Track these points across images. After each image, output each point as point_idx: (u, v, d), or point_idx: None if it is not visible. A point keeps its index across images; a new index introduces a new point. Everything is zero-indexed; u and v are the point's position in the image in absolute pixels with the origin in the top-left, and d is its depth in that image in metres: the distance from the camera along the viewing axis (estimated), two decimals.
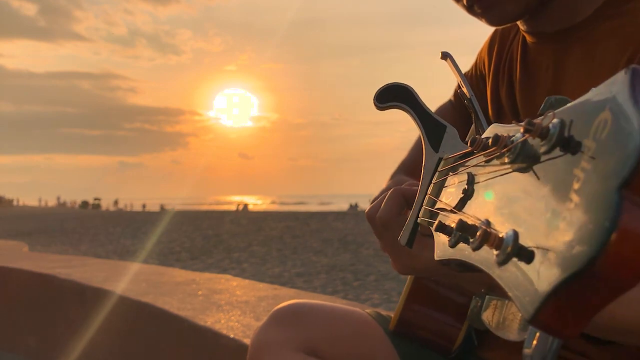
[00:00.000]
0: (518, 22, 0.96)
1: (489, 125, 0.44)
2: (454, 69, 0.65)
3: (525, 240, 0.30)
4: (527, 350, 0.30)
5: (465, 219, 0.36)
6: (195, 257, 9.75)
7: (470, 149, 0.42)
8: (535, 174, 0.32)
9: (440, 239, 0.44)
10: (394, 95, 0.64)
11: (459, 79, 0.64)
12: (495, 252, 0.32)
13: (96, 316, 2.89)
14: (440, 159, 0.59)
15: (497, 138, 0.36)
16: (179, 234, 13.93)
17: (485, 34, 1.13)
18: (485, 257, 0.34)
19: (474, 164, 0.43)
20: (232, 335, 1.99)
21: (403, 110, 0.65)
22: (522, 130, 0.32)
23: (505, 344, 0.97)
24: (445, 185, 0.53)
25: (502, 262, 0.31)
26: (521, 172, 0.34)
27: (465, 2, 0.88)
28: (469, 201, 0.42)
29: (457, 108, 1.22)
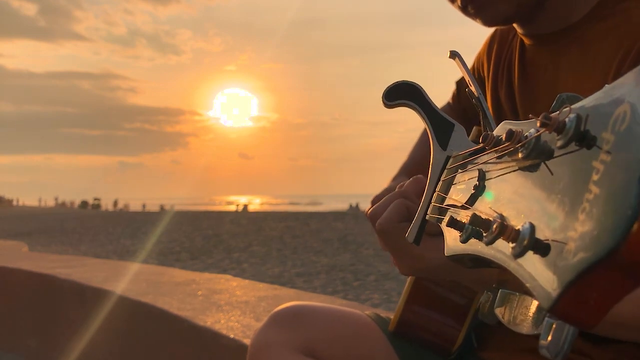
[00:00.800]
0: (515, 25, 0.96)
1: (496, 124, 0.45)
2: (462, 68, 0.65)
3: (540, 233, 0.31)
4: (543, 342, 0.30)
5: (478, 214, 0.37)
6: (195, 257, 9.75)
7: (481, 145, 0.42)
8: (549, 169, 0.33)
9: (451, 234, 0.45)
10: (403, 93, 0.65)
11: (467, 78, 0.64)
12: (511, 245, 0.32)
13: (96, 316, 2.89)
14: (448, 157, 0.60)
15: (511, 133, 0.36)
16: (178, 234, 13.93)
17: (484, 34, 1.13)
18: (499, 250, 0.34)
19: (484, 160, 0.44)
20: (232, 336, 1.99)
21: (411, 108, 0.65)
22: (538, 124, 0.32)
23: (505, 345, 0.97)
24: (454, 182, 0.53)
25: (519, 254, 0.32)
26: (534, 167, 0.35)
27: (459, 2, 0.88)
28: (480, 197, 0.42)
29: (456, 110, 1.23)
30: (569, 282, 0.28)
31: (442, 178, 0.58)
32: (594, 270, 0.27)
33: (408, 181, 0.77)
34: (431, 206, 0.58)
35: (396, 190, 0.76)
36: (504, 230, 0.33)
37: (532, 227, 0.31)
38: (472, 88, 0.64)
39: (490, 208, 0.39)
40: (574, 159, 0.30)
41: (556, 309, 0.28)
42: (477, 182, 0.43)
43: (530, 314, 0.33)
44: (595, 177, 0.28)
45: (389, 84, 0.65)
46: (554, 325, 0.30)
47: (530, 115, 0.34)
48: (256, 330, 1.00)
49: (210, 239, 12.93)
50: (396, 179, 1.22)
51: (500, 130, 0.42)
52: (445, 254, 0.45)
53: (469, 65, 1.20)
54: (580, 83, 0.84)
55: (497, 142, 0.40)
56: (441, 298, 0.99)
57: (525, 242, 0.31)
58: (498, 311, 0.36)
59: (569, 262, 0.28)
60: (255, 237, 13.12)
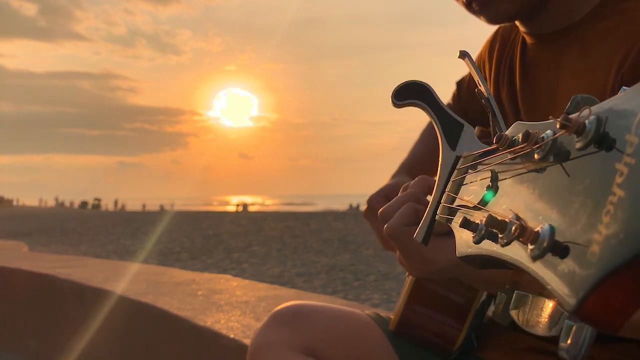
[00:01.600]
0: (517, 24, 0.96)
1: (504, 126, 0.45)
2: (472, 67, 0.65)
3: (560, 235, 0.31)
4: (562, 344, 0.30)
5: (494, 215, 0.37)
6: (195, 257, 9.75)
7: (495, 145, 0.42)
8: (566, 171, 0.33)
9: (463, 235, 0.45)
10: (412, 93, 0.64)
11: (477, 77, 0.64)
12: (530, 246, 0.32)
13: (96, 316, 2.89)
14: (457, 157, 0.59)
15: (527, 134, 0.36)
16: (178, 234, 13.93)
17: (485, 33, 1.14)
18: (516, 252, 0.34)
19: (497, 161, 0.43)
20: (232, 336, 1.99)
21: (420, 108, 0.65)
22: (558, 125, 0.32)
23: (504, 345, 0.97)
24: (464, 182, 0.53)
25: (537, 256, 0.32)
26: (551, 169, 0.34)
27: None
28: (493, 198, 0.42)
29: (456, 111, 1.23)
30: (594, 284, 0.27)
31: (452, 178, 0.58)
32: (620, 272, 0.26)
33: (414, 181, 0.76)
34: (441, 206, 0.57)
35: (403, 191, 0.76)
36: (524, 231, 0.33)
37: (552, 229, 0.31)
38: (482, 88, 0.64)
39: (505, 209, 0.39)
40: (593, 161, 0.30)
41: (580, 311, 0.28)
42: (490, 183, 0.43)
43: (546, 316, 0.33)
44: (619, 180, 0.28)
45: (398, 84, 0.65)
46: (573, 328, 0.30)
47: (550, 116, 0.34)
48: (256, 330, 1.00)
49: (210, 239, 12.93)
50: (395, 176, 1.22)
51: (513, 130, 0.42)
52: (457, 255, 0.45)
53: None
54: (581, 82, 0.84)
55: (512, 143, 0.39)
56: (442, 298, 0.99)
57: (545, 244, 0.31)
58: (513, 312, 0.36)
59: (593, 264, 0.28)
60: (255, 237, 13.12)
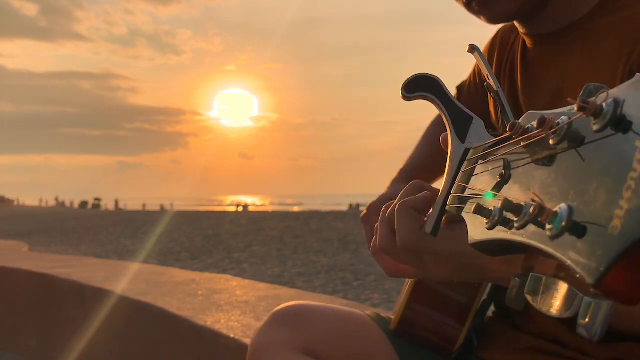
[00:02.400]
0: (517, 25, 0.96)
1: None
2: (482, 61, 0.65)
3: (578, 215, 0.31)
4: (581, 321, 0.31)
5: (510, 199, 0.37)
6: (195, 257, 9.75)
7: (508, 134, 0.43)
8: (580, 155, 0.33)
9: (475, 222, 0.45)
10: (422, 86, 0.65)
11: (486, 71, 0.64)
12: (548, 226, 0.33)
13: (96, 316, 2.89)
14: (466, 149, 0.60)
15: (543, 120, 0.37)
16: (179, 234, 13.93)
17: (486, 33, 1.14)
18: (532, 234, 0.35)
19: (509, 150, 0.44)
20: (232, 335, 1.99)
21: (430, 100, 0.65)
22: (575, 108, 0.32)
23: (505, 345, 0.97)
24: (474, 173, 0.53)
25: (556, 236, 0.32)
26: (566, 155, 0.35)
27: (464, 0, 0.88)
28: (506, 185, 0.43)
29: None
30: (617, 256, 0.28)
31: (462, 169, 0.58)
32: None
33: (404, 188, 0.73)
34: (451, 197, 0.57)
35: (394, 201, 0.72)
36: (542, 212, 0.33)
37: (570, 209, 0.32)
38: (491, 82, 0.64)
39: (520, 194, 0.39)
40: (611, 143, 0.31)
41: (602, 283, 0.29)
42: (503, 171, 0.43)
43: (561, 297, 0.33)
44: (639, 156, 0.28)
45: (409, 77, 0.65)
46: (592, 305, 0.30)
47: (568, 99, 0.34)
48: (256, 330, 1.00)
49: (210, 239, 12.93)
50: (394, 184, 1.22)
51: (525, 120, 0.42)
52: (470, 242, 0.45)
53: (470, 64, 1.20)
54: (583, 81, 0.84)
55: (525, 130, 0.40)
56: (442, 297, 0.98)
57: (564, 223, 0.31)
58: (528, 296, 0.36)
59: (615, 237, 0.28)
60: (255, 237, 13.12)
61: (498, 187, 0.44)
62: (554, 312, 0.33)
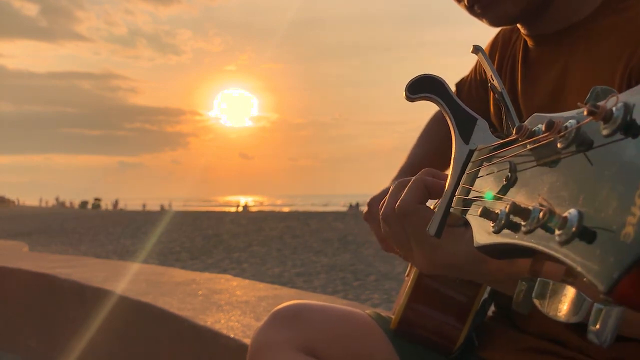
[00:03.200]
0: (519, 26, 0.96)
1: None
2: (486, 62, 0.65)
3: (589, 220, 0.31)
4: (592, 328, 0.30)
5: (518, 203, 0.37)
6: (195, 257, 9.75)
7: (514, 136, 0.42)
8: (589, 159, 0.33)
9: (481, 225, 0.44)
10: (426, 87, 0.64)
11: (490, 72, 0.64)
12: (557, 232, 0.32)
13: (96, 316, 2.89)
14: (470, 151, 0.59)
15: (551, 123, 0.36)
16: (179, 234, 13.93)
17: (486, 33, 1.14)
18: (540, 239, 0.34)
19: (516, 152, 0.43)
20: (232, 335, 1.99)
21: (433, 101, 0.64)
22: (585, 112, 0.32)
23: (506, 345, 0.97)
24: (479, 175, 0.53)
25: (566, 241, 0.32)
26: (573, 159, 0.34)
27: (466, 2, 0.88)
28: (512, 188, 0.42)
29: None
30: (630, 264, 0.28)
31: (466, 171, 0.57)
32: None
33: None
34: (455, 198, 0.57)
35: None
36: (552, 217, 0.33)
37: (581, 214, 0.31)
38: (495, 82, 0.64)
39: (527, 198, 0.39)
40: (621, 148, 0.31)
41: (615, 291, 0.28)
42: (509, 174, 0.43)
43: (569, 302, 0.33)
44: None
45: (412, 77, 0.65)
46: (603, 311, 0.30)
47: (578, 103, 0.34)
48: (256, 329, 0.99)
49: (210, 239, 12.93)
50: (395, 180, 1.22)
51: (531, 122, 0.42)
52: (475, 246, 0.45)
53: (471, 64, 1.20)
54: (586, 81, 0.84)
55: (532, 133, 0.39)
56: (443, 297, 0.98)
57: (574, 229, 0.31)
58: (536, 300, 0.36)
59: (628, 244, 0.28)
60: (255, 237, 13.12)
61: (504, 190, 0.43)
62: (562, 316, 0.33)
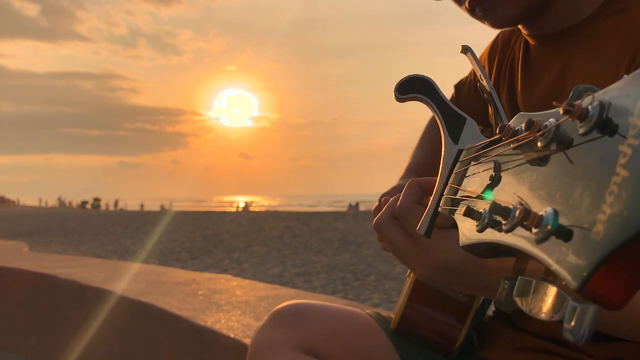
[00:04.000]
0: (519, 26, 0.96)
1: (507, 119, 0.45)
2: (474, 62, 0.65)
3: (564, 219, 0.31)
4: (566, 325, 0.30)
5: (498, 202, 0.37)
6: (195, 257, 9.75)
7: (497, 136, 0.42)
8: (569, 158, 0.33)
9: (466, 225, 0.45)
10: (415, 87, 0.64)
11: (479, 72, 0.64)
12: (534, 230, 0.33)
13: (96, 316, 2.89)
14: (460, 150, 0.60)
15: (531, 122, 0.36)
16: (179, 234, 13.93)
17: (486, 33, 1.14)
18: (519, 237, 0.35)
19: (500, 151, 0.44)
20: (232, 335, 1.99)
21: (423, 102, 0.65)
22: (561, 111, 0.32)
23: (505, 344, 0.97)
24: (467, 175, 0.53)
25: (542, 239, 0.32)
26: (554, 157, 0.35)
27: (467, 5, 0.89)
28: (496, 187, 0.42)
29: None
30: (599, 261, 0.28)
31: (454, 171, 0.58)
32: (624, 249, 0.27)
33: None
34: (444, 198, 0.57)
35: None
36: (528, 215, 0.33)
37: (556, 213, 0.32)
38: (484, 82, 0.64)
39: (509, 197, 0.39)
40: (596, 146, 0.31)
41: (586, 288, 0.29)
42: (493, 173, 0.43)
43: (549, 301, 0.33)
44: (622, 161, 0.28)
45: (401, 78, 0.65)
46: (577, 309, 0.30)
47: (553, 102, 0.34)
48: (256, 329, 0.99)
49: (210, 238, 12.94)
50: (403, 178, 1.23)
51: (515, 121, 0.42)
52: (460, 244, 0.45)
53: (470, 68, 1.20)
54: (587, 81, 0.84)
55: (515, 132, 0.40)
56: (443, 296, 0.98)
57: (549, 227, 0.31)
58: (517, 298, 0.36)
59: (598, 242, 0.28)
60: (255, 237, 13.12)
61: (488, 189, 0.43)
62: (543, 315, 0.33)
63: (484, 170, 0.47)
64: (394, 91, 0.65)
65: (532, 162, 0.37)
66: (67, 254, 9.00)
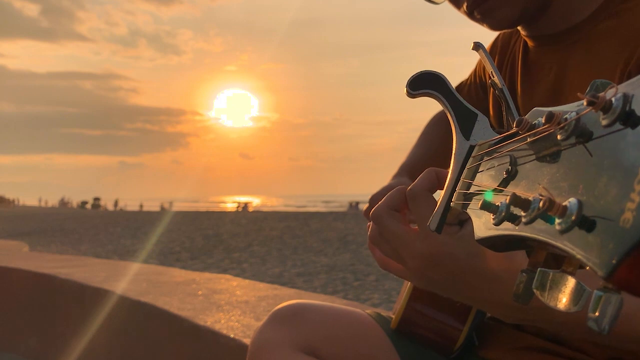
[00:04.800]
0: (518, 27, 0.96)
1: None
2: (486, 59, 0.65)
3: (588, 209, 0.31)
4: (591, 315, 0.30)
5: (518, 194, 0.37)
6: (195, 257, 9.75)
7: (514, 130, 0.42)
8: (588, 150, 0.33)
9: (482, 218, 0.45)
10: (426, 83, 0.64)
11: (490, 68, 0.64)
12: (557, 220, 0.33)
13: (96, 316, 2.89)
14: (471, 146, 0.59)
15: (551, 115, 0.36)
16: (179, 234, 13.94)
17: (486, 34, 1.14)
18: (540, 229, 0.35)
19: (515, 146, 0.44)
20: (232, 335, 1.99)
21: (434, 98, 0.65)
22: (585, 103, 0.32)
23: (505, 344, 0.97)
24: (479, 170, 0.53)
25: (565, 230, 0.32)
26: (573, 150, 0.35)
27: (465, 8, 0.89)
28: (512, 181, 0.42)
29: None
30: (630, 248, 0.28)
31: (467, 166, 0.58)
32: None
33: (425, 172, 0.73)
34: (456, 193, 0.57)
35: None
36: (552, 205, 0.33)
37: (580, 203, 0.32)
38: (496, 79, 0.64)
39: (527, 189, 0.39)
40: (619, 138, 0.31)
41: (616, 275, 0.29)
42: (509, 167, 0.43)
43: (569, 292, 0.33)
44: None
45: (413, 74, 0.65)
46: (602, 298, 0.30)
47: (578, 94, 0.34)
48: (256, 329, 0.99)
49: (210, 238, 12.94)
50: (396, 177, 1.22)
51: (531, 116, 0.42)
52: (476, 238, 0.45)
53: (470, 63, 1.21)
54: (585, 82, 0.84)
55: (532, 126, 0.40)
56: (443, 296, 0.98)
57: (574, 217, 0.31)
58: (535, 290, 0.36)
59: (627, 230, 0.28)
60: (255, 237, 13.13)
61: (504, 183, 0.43)
62: (562, 307, 0.33)
63: (499, 165, 0.47)
64: (406, 87, 0.64)
65: (550, 155, 0.37)
66: (67, 254, 9.00)
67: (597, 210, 0.31)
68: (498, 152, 0.48)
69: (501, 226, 0.40)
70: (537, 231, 0.35)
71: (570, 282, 0.33)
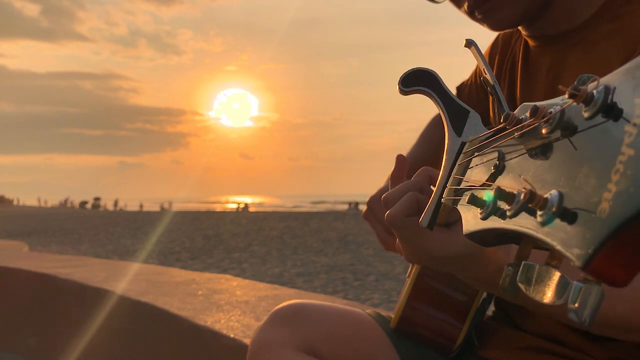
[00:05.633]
0: (519, 27, 0.97)
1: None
2: (478, 56, 0.65)
3: (569, 201, 0.31)
4: (571, 306, 0.30)
5: (503, 187, 0.37)
6: (195, 257, 9.75)
7: (501, 125, 0.43)
8: (573, 144, 0.33)
9: (470, 213, 0.46)
10: (419, 80, 0.65)
11: (483, 65, 0.65)
12: (539, 212, 0.33)
13: (96, 316, 2.89)
14: (463, 143, 0.60)
15: (536, 109, 0.37)
16: (179, 234, 13.94)
17: (486, 34, 1.14)
18: (524, 222, 0.35)
19: (503, 141, 0.44)
20: (232, 335, 1.99)
21: (426, 95, 0.65)
22: (566, 95, 0.32)
23: (505, 343, 0.97)
24: (470, 166, 0.54)
25: (546, 222, 0.32)
26: (558, 144, 0.35)
27: (466, 8, 0.89)
28: (500, 176, 0.43)
29: None
30: (605, 238, 0.28)
31: (458, 162, 0.58)
32: (630, 225, 0.27)
33: (418, 171, 0.74)
34: (447, 189, 0.58)
35: (412, 179, 0.73)
36: (533, 198, 0.33)
37: (561, 195, 0.32)
38: (488, 76, 0.64)
39: (513, 183, 0.39)
40: (601, 130, 0.31)
41: (591, 265, 0.29)
42: (497, 162, 0.44)
43: (553, 285, 0.33)
44: (628, 140, 0.28)
45: (405, 71, 0.65)
46: (582, 289, 0.30)
47: (559, 87, 0.34)
48: (256, 329, 1.00)
49: (210, 238, 12.94)
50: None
51: (519, 111, 0.42)
52: (464, 233, 0.45)
53: (470, 63, 1.21)
54: None
55: (519, 121, 0.40)
56: (443, 296, 0.99)
57: (554, 209, 0.32)
58: (520, 284, 0.36)
59: (604, 220, 0.28)
60: (255, 237, 13.13)
61: (492, 178, 0.44)
62: (547, 300, 0.33)
63: (487, 160, 0.47)
64: (398, 84, 0.65)
65: (536, 149, 0.38)
66: (67, 254, 9.00)
67: (577, 201, 0.31)
68: (488, 147, 0.49)
69: (488, 220, 0.40)
70: (520, 224, 0.36)
71: (555, 275, 0.33)
